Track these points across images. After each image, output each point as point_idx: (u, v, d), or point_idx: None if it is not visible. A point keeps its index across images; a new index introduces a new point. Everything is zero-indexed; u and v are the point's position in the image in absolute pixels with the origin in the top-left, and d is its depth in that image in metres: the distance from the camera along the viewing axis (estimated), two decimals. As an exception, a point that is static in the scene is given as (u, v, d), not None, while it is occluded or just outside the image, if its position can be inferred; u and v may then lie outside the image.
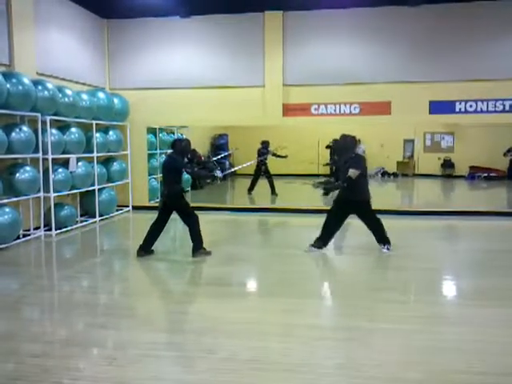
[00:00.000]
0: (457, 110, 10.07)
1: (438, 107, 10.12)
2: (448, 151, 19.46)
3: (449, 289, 5.52)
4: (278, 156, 13.13)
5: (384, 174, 19.25)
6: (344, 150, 6.82)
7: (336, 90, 10.32)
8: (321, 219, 6.88)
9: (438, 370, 3.37)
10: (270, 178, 13.19)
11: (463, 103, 10.03)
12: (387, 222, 6.91)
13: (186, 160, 6.95)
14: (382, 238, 6.74)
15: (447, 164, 19.30)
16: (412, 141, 19.71)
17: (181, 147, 6.57)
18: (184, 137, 6.72)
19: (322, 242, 6.80)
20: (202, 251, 6.54)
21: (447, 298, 5.24)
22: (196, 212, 6.59)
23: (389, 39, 10.13)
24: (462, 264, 6.46)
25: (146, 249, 6.58)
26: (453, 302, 5.06)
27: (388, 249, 6.70)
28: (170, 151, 7.03)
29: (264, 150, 13.03)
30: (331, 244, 7.25)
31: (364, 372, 3.34)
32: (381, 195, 15.20)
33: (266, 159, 13.03)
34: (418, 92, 10.06)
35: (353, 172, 6.39)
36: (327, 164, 13.76)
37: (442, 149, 19.56)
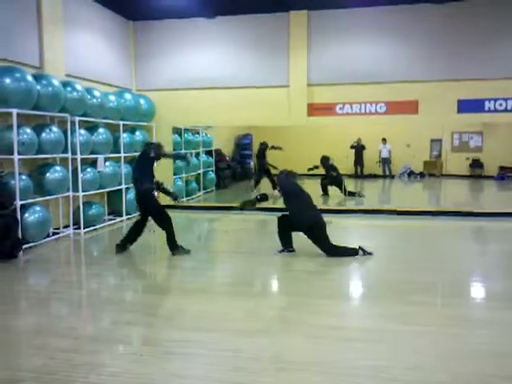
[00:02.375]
0: (486, 108, 9.86)
1: (467, 106, 9.92)
2: (477, 151, 19.04)
3: (477, 291, 5.40)
4: (276, 148, 13.27)
5: (410, 174, 18.97)
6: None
7: (361, 89, 10.23)
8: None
9: (466, 373, 3.32)
10: (270, 176, 13.43)
11: (492, 102, 9.81)
12: (414, 223, 6.81)
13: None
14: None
15: (476, 164, 18.89)
16: (439, 140, 19.36)
17: (145, 147, 6.74)
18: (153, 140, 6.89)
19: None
20: (179, 250, 6.64)
21: (476, 300, 5.13)
22: (220, 211, 6.62)
23: (416, 37, 9.98)
24: (490, 266, 6.32)
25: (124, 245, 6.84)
26: (481, 305, 4.96)
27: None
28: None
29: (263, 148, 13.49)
30: (357, 244, 7.20)
31: (393, 374, 3.30)
32: (407, 195, 15.03)
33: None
34: (446, 90, 9.89)
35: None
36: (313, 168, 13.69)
37: (470, 148, 19.15)
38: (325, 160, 12.82)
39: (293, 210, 6.43)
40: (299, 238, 6.62)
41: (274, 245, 6.79)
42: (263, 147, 13.62)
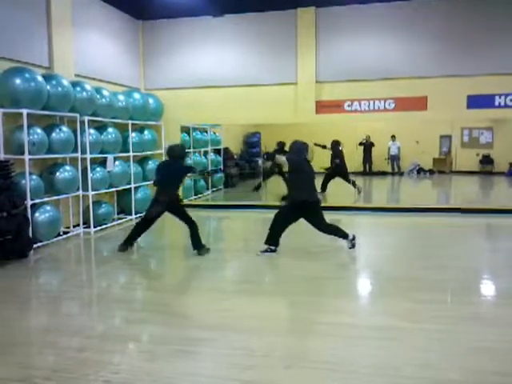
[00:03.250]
0: (496, 104, 9.77)
1: (477, 101, 9.83)
2: (487, 147, 18.88)
3: (487, 288, 5.36)
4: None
5: (420, 170, 18.86)
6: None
7: (370, 86, 10.19)
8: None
9: (476, 371, 3.29)
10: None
11: (503, 97, 9.72)
12: (423, 220, 6.78)
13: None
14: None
15: (486, 160, 18.73)
16: (449, 136, 19.22)
17: (178, 152, 6.70)
18: (175, 142, 6.92)
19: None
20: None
21: (486, 297, 5.09)
22: (229, 210, 6.63)
23: (424, 33, 9.91)
24: (500, 263, 6.26)
25: (129, 244, 6.90)
26: (492, 302, 4.92)
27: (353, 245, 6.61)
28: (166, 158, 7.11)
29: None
30: (367, 242, 7.18)
31: (402, 372, 3.29)
32: (416, 192, 14.95)
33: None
34: (455, 86, 9.81)
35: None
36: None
37: (480, 144, 18.99)
38: (335, 144, 12.46)
39: (295, 183, 6.47)
40: (302, 239, 6.60)
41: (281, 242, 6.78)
42: (280, 146, 13.15)
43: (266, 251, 6.56)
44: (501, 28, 9.57)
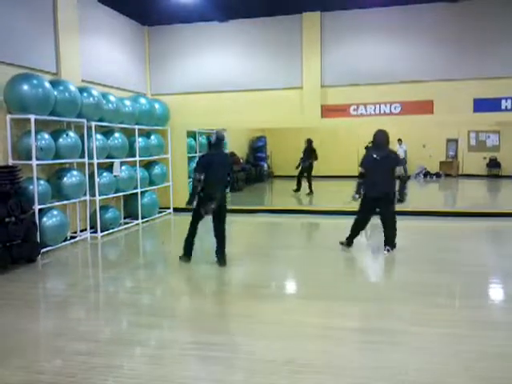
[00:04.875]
0: (503, 107, 9.71)
1: (483, 105, 9.79)
2: (494, 150, 18.80)
3: (495, 293, 5.33)
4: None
5: (426, 174, 18.79)
6: (381, 146, 6.71)
7: (375, 90, 10.17)
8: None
9: (482, 376, 3.27)
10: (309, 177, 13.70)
11: (509, 100, 9.67)
12: (430, 224, 6.75)
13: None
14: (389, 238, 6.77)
15: (493, 163, 18.64)
16: (455, 140, 19.15)
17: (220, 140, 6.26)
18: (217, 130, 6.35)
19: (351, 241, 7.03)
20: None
21: (493, 302, 5.06)
22: (236, 214, 6.62)
23: (429, 36, 9.89)
24: (508, 267, 6.22)
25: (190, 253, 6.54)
26: (498, 307, 4.89)
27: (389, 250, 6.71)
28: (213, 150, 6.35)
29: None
30: (373, 245, 7.18)
31: (407, 376, 3.27)
32: (423, 196, 14.88)
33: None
34: (461, 90, 9.77)
35: (400, 169, 6.63)
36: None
37: (487, 148, 18.92)
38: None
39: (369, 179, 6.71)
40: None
41: (282, 245, 6.78)
42: (310, 143, 13.62)
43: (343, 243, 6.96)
44: (507, 31, 9.53)
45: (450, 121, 11.59)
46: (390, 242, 6.69)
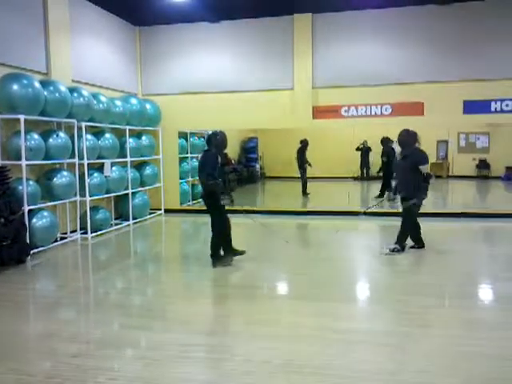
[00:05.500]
0: (492, 109, 9.81)
1: (473, 107, 9.88)
2: (483, 152, 18.95)
3: (487, 293, 5.37)
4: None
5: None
6: (406, 144, 6.71)
7: (366, 92, 10.22)
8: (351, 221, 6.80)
9: (477, 376, 3.29)
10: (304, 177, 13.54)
11: (499, 102, 9.76)
12: (424, 225, 6.81)
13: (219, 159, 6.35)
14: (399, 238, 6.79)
15: (482, 165, 18.80)
16: (445, 141, 19.29)
17: (216, 141, 6.26)
18: (219, 130, 6.37)
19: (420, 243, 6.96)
20: (225, 261, 6.30)
21: (486, 302, 5.10)
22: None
23: (420, 38, 9.96)
24: (499, 267, 6.28)
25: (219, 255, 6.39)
26: (491, 307, 4.93)
27: (393, 250, 6.68)
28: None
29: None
30: (366, 247, 7.21)
31: (402, 377, 3.29)
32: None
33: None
34: (451, 92, 9.86)
35: (424, 168, 6.49)
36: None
37: (477, 149, 19.06)
38: (386, 141, 12.42)
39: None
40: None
41: (275, 245, 6.76)
42: (304, 144, 13.40)
43: (413, 247, 6.90)
44: (496, 34, 9.62)
45: (440, 122, 11.67)
46: (397, 240, 6.72)
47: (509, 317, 4.43)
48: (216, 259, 6.27)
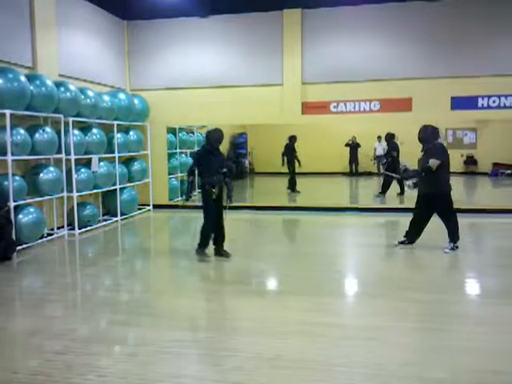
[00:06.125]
0: (479, 105, 9.89)
1: (460, 103, 9.95)
2: (470, 147, 19.15)
3: (473, 287, 5.42)
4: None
5: (405, 171, 19.00)
6: (424, 140, 6.65)
7: (355, 87, 10.25)
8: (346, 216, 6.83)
9: (462, 369, 3.32)
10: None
11: (486, 98, 9.85)
12: (407, 221, 6.85)
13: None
14: (451, 235, 6.65)
15: (470, 161, 18.99)
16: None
17: (208, 137, 6.43)
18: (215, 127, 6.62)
19: (409, 238, 6.85)
20: (200, 252, 6.46)
21: (471, 296, 5.15)
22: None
23: (408, 35, 10.01)
24: (486, 262, 6.34)
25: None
26: (477, 301, 4.98)
27: (452, 248, 6.57)
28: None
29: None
30: (355, 241, 7.22)
31: (387, 371, 3.31)
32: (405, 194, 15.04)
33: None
34: (439, 88, 9.92)
35: (433, 162, 6.31)
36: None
37: (464, 145, 19.25)
38: (390, 137, 12.43)
39: (440, 175, 6.46)
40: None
41: (263, 241, 6.75)
42: (293, 141, 13.21)
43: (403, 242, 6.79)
44: (484, 30, 9.70)
45: (428, 118, 11.74)
46: (453, 237, 6.63)
47: (495, 311, 4.47)
48: (199, 250, 6.46)
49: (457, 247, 6.60)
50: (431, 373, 3.27)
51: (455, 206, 6.71)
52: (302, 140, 14.21)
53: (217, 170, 6.35)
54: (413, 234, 6.81)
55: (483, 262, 6.38)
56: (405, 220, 7.13)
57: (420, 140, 6.68)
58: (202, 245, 6.45)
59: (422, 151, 6.67)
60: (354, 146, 18.34)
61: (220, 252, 6.49)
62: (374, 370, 3.32)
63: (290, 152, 13.29)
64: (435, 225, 6.78)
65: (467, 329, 4.07)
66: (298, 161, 13.28)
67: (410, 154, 19.14)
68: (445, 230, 6.72)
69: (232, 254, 6.47)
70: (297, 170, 13.65)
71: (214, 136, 6.42)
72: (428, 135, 6.58)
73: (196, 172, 6.54)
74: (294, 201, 12.64)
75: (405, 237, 6.88)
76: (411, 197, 7.16)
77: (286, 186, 13.59)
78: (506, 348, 3.66)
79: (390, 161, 12.42)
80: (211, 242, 6.49)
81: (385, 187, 12.36)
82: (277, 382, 3.22)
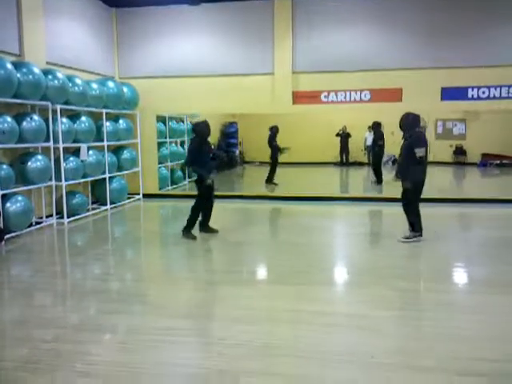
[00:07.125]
0: (469, 96, 9.94)
1: (450, 93, 9.99)
2: (460, 138, 19.24)
3: (462, 277, 5.48)
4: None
5: (395, 161, 19.09)
6: (405, 128, 6.64)
7: (346, 77, 10.23)
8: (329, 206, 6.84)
9: (450, 357, 3.36)
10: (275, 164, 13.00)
11: (475, 89, 9.89)
12: (398, 211, 6.89)
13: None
14: (411, 224, 6.69)
15: (459, 151, 19.10)
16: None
17: (197, 130, 6.84)
18: (201, 119, 7.12)
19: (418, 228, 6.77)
20: (189, 235, 6.83)
21: (460, 285, 5.21)
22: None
23: (399, 25, 9.98)
24: (474, 252, 6.41)
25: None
26: (466, 290, 5.03)
27: (407, 238, 6.61)
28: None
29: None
30: (346, 230, 7.25)
31: (376, 359, 3.34)
32: (392, 183, 15.14)
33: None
34: (429, 78, 9.94)
35: (420, 151, 6.33)
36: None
37: (453, 136, 19.34)
38: (377, 126, 12.45)
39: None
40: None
41: (253, 230, 6.75)
42: (274, 131, 12.68)
43: (415, 236, 6.65)
44: (475, 21, 9.70)
45: (418, 109, 11.77)
46: (413, 228, 6.66)
47: (482, 300, 4.53)
48: (185, 232, 6.87)
49: (416, 237, 6.61)
50: (419, 361, 3.31)
51: (443, 196, 6.73)
52: (293, 130, 14.21)
53: (209, 158, 6.98)
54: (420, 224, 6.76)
55: (471, 251, 6.44)
56: (397, 209, 7.17)
57: (401, 127, 6.69)
58: (190, 225, 6.84)
59: (402, 138, 6.68)
60: (344, 136, 18.37)
61: (208, 229, 7.04)
62: (362, 358, 3.35)
63: (270, 143, 12.88)
64: (424, 215, 6.82)
65: (455, 317, 4.12)
66: (280, 150, 12.71)
67: (400, 144, 19.24)
68: (435, 219, 6.76)
69: (224, 243, 6.48)
70: (287, 160, 13.52)
71: (205, 128, 6.83)
72: (409, 123, 6.60)
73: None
74: (279, 190, 12.50)
75: (414, 231, 6.75)
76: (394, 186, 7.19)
77: (279, 176, 13.36)
78: (493, 336, 3.72)
79: (377, 150, 12.48)
80: (197, 224, 6.94)
81: (378, 175, 12.47)
82: (266, 370, 3.24)
